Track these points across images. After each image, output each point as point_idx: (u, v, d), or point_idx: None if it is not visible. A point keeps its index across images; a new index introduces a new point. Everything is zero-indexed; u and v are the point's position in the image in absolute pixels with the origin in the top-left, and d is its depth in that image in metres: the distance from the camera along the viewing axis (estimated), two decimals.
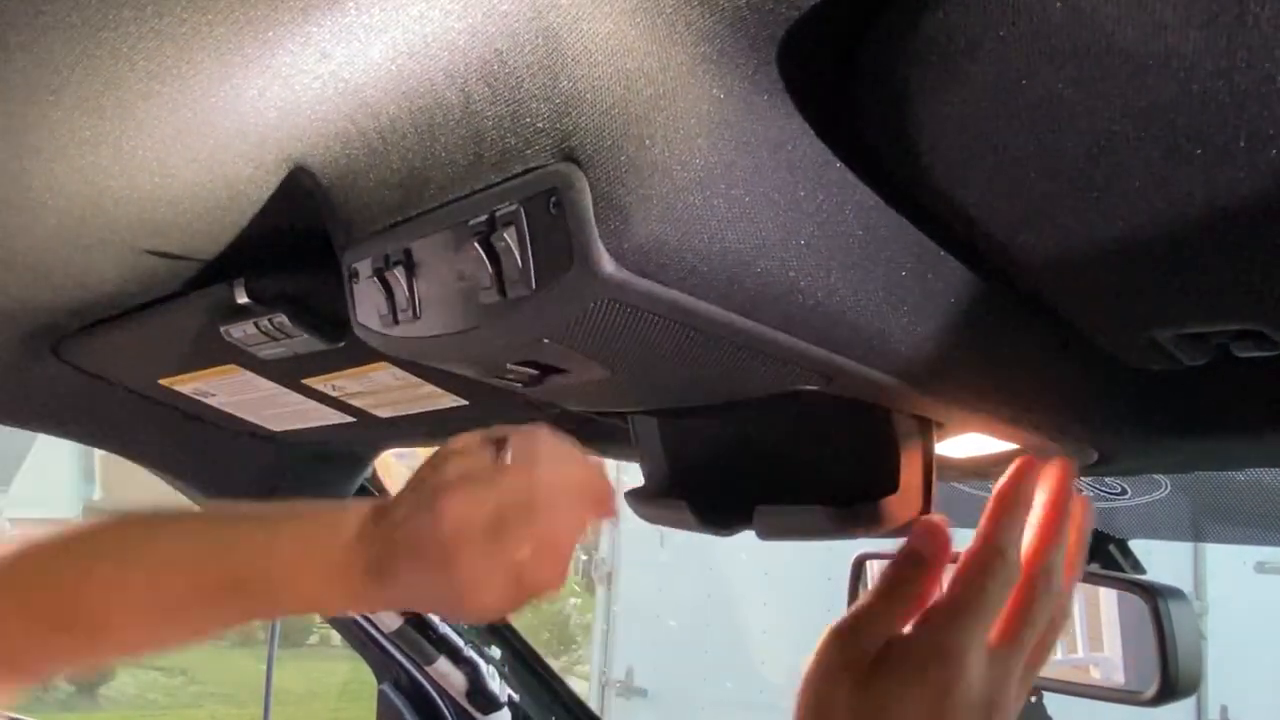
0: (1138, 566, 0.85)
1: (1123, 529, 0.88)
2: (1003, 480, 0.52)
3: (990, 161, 0.40)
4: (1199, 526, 0.92)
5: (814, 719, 0.52)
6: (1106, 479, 0.81)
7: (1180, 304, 0.46)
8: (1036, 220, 0.44)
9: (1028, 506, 0.52)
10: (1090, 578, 0.83)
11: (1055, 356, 0.55)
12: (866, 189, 0.46)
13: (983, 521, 0.52)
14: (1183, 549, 5.12)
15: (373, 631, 1.57)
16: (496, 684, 1.59)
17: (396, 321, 0.53)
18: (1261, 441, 0.62)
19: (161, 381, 1.00)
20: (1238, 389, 0.57)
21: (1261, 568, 5.62)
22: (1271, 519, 0.83)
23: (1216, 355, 0.51)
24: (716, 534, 0.66)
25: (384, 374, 0.86)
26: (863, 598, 0.53)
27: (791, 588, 4.45)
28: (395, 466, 1.59)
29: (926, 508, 0.58)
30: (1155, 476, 0.78)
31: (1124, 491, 0.82)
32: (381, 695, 1.72)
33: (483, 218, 0.46)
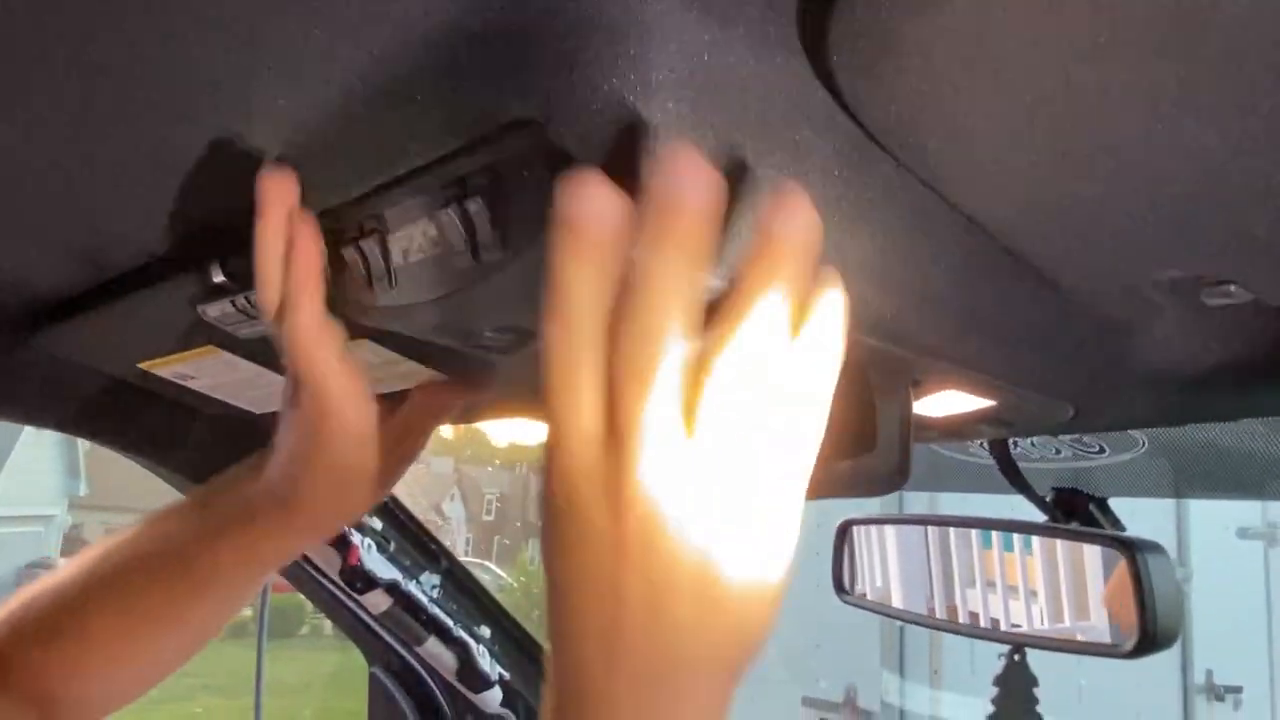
0: (1117, 524, 0.86)
1: (1102, 487, 0.89)
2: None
3: (962, 108, 0.40)
4: (1177, 484, 0.93)
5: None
6: (1085, 438, 0.82)
7: (1154, 253, 0.47)
8: (1007, 170, 0.44)
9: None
10: (1069, 534, 0.84)
11: (1030, 310, 0.56)
12: (840, 140, 0.46)
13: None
14: (1165, 516, 5.19)
15: (361, 615, 1.57)
16: (487, 662, 1.59)
17: (372, 290, 0.53)
18: (1237, 393, 0.63)
19: (141, 366, 1.00)
20: (1212, 340, 0.57)
21: (1244, 533, 5.69)
22: (1248, 474, 0.84)
23: (1190, 304, 0.51)
24: None
25: (363, 351, 0.85)
26: None
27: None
28: None
29: (905, 465, 0.58)
30: (1133, 434, 0.79)
31: (1102, 450, 0.83)
32: (373, 678, 1.72)
33: (455, 182, 0.46)
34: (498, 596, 1.73)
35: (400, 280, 0.52)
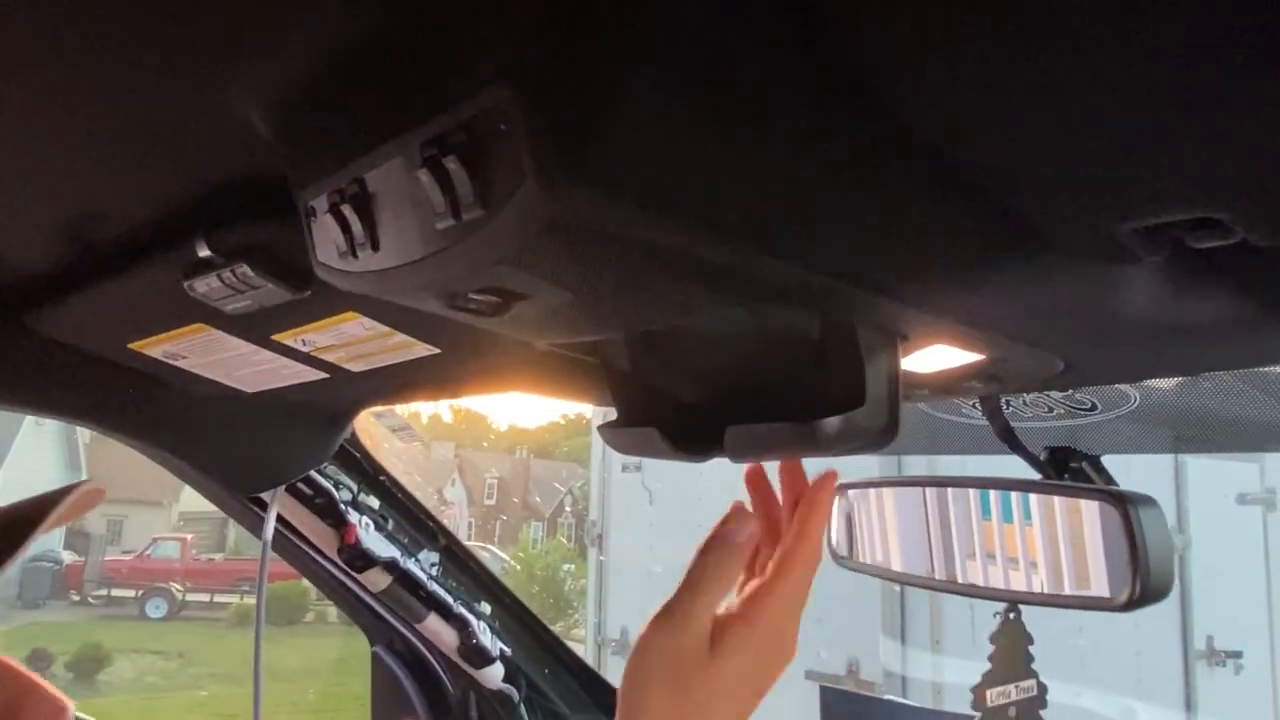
0: (1111, 482, 0.86)
1: (1096, 446, 0.89)
2: (813, 488, 0.69)
3: (943, 54, 0.40)
4: (1170, 439, 0.94)
5: (651, 705, 0.66)
6: (1077, 395, 0.82)
7: (1135, 195, 0.46)
8: (987, 115, 0.44)
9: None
10: (1062, 490, 0.84)
11: (1016, 263, 0.55)
12: (833, 105, 0.46)
13: (797, 522, 0.68)
14: (1164, 483, 5.20)
15: (362, 594, 1.57)
16: (488, 639, 1.60)
17: (355, 256, 0.53)
18: (1225, 343, 0.62)
19: (131, 346, 1.00)
20: (1199, 289, 0.57)
21: (1242, 499, 5.71)
22: (1241, 427, 0.84)
23: (1176, 251, 0.51)
24: (689, 460, 0.66)
25: (353, 325, 0.85)
26: (679, 587, 0.68)
27: None
28: (375, 428, 1.60)
29: (894, 421, 0.58)
30: (1124, 390, 0.79)
31: (1094, 407, 0.83)
32: (375, 657, 1.73)
33: (433, 141, 0.45)
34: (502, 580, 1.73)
35: (382, 244, 0.51)
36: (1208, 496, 5.49)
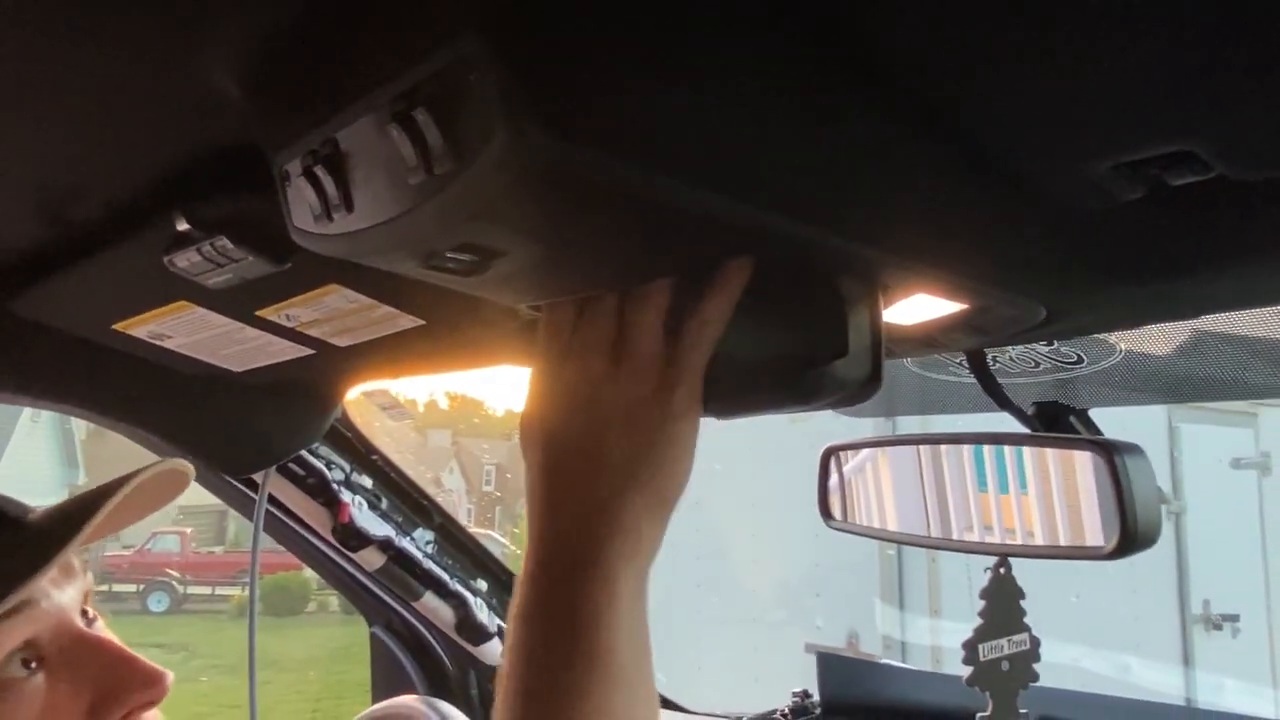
0: (1097, 433, 0.86)
1: (1081, 398, 0.89)
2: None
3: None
4: (1155, 390, 0.94)
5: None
6: (1062, 349, 0.82)
7: (1109, 131, 0.46)
8: (962, 57, 0.44)
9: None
10: (1049, 441, 0.84)
11: (996, 209, 0.55)
12: (804, 46, 0.45)
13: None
14: (1159, 448, 5.22)
15: (358, 575, 1.58)
16: (485, 614, 1.60)
17: (330, 218, 0.52)
18: (1208, 285, 0.62)
19: (115, 327, 0.99)
20: (1179, 229, 0.57)
21: (1237, 464, 5.74)
22: (1224, 374, 0.84)
23: (1154, 190, 0.51)
24: None
25: (335, 297, 0.85)
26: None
27: (776, 514, 4.50)
28: (368, 412, 1.59)
29: (877, 371, 0.58)
30: (1109, 341, 0.79)
31: (1080, 360, 0.83)
32: (374, 638, 1.73)
33: (403, 96, 0.45)
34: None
35: (357, 204, 0.51)
36: (1202, 462, 5.51)
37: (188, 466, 0.82)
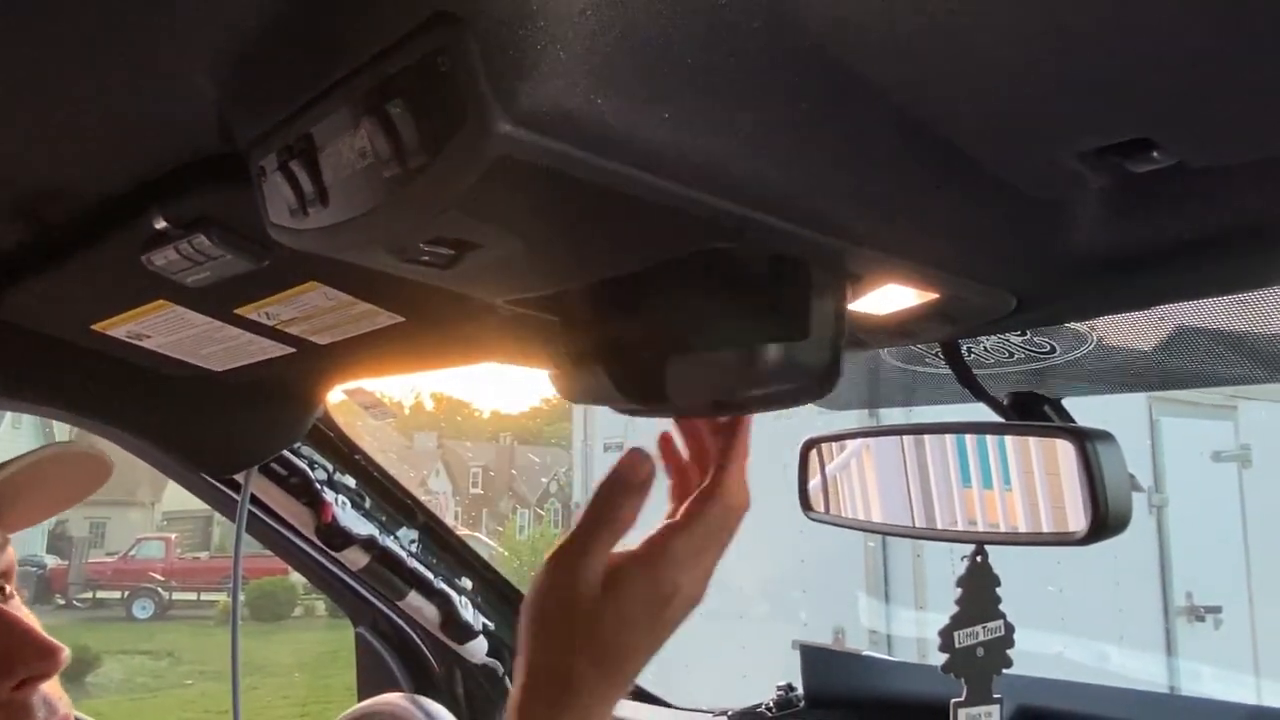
0: (1071, 421, 0.87)
1: (1059, 389, 0.91)
2: (730, 422, 0.69)
3: None
4: (1127, 378, 0.95)
5: (544, 641, 0.67)
6: (1035, 338, 0.83)
7: (1067, 119, 0.47)
8: (929, 47, 0.44)
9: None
10: (1022, 430, 0.85)
11: (964, 198, 0.56)
12: (773, 33, 0.46)
13: (715, 461, 0.69)
14: (1140, 442, 5.26)
15: (343, 575, 1.57)
16: (470, 613, 1.60)
17: (306, 213, 0.53)
18: (1173, 275, 0.63)
19: (94, 328, 0.99)
20: (1144, 217, 0.58)
21: (1218, 457, 5.79)
22: (1195, 362, 0.85)
23: (1118, 178, 0.51)
24: (635, 405, 0.66)
25: (314, 294, 0.85)
26: (576, 524, 0.68)
27: (762, 513, 4.51)
28: (348, 405, 1.59)
29: (836, 361, 0.58)
30: (1081, 330, 0.80)
31: (1052, 349, 0.84)
32: (359, 638, 1.73)
33: (377, 89, 0.45)
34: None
35: (332, 199, 0.51)
36: (1183, 455, 5.56)
37: (101, 454, 0.82)
